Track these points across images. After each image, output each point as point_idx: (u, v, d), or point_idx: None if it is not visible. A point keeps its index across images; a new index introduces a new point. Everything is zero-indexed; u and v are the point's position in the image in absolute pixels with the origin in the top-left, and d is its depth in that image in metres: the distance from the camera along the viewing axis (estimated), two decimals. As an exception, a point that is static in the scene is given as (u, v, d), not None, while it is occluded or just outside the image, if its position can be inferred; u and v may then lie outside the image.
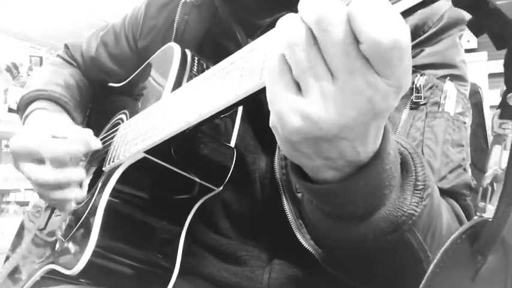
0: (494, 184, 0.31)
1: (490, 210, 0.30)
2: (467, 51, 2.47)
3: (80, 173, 0.67)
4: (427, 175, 0.42)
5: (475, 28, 0.27)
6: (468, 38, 2.54)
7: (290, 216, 0.60)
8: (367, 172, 0.37)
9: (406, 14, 0.30)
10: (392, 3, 0.30)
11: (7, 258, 0.84)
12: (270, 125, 0.37)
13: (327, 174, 0.38)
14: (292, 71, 0.33)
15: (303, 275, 0.64)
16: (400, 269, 0.48)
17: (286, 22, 0.33)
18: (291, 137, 0.34)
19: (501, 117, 0.27)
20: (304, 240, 0.59)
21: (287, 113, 0.33)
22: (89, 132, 0.71)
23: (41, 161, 0.66)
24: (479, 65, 2.47)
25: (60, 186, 0.66)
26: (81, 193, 0.67)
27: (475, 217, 0.32)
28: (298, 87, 0.33)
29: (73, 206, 0.68)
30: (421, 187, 0.41)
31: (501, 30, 0.24)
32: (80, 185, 0.68)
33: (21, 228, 0.89)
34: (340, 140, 0.33)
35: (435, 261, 0.32)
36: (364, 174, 0.37)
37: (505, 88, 0.26)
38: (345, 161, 0.36)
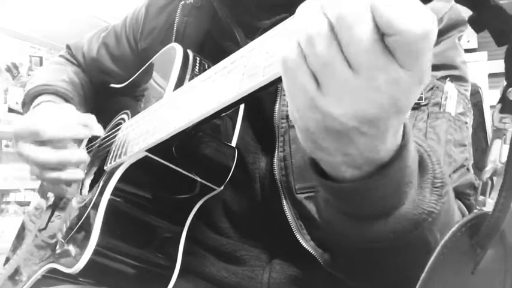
0: (494, 178, 0.31)
1: (489, 204, 0.30)
2: (467, 51, 2.48)
3: (80, 154, 0.67)
4: (444, 173, 0.42)
5: (476, 24, 0.27)
6: (468, 38, 2.55)
7: (290, 217, 0.60)
8: (388, 171, 0.37)
9: None
10: None
11: (7, 259, 0.84)
12: (290, 116, 0.36)
13: (346, 172, 0.37)
14: (310, 64, 0.31)
15: (303, 275, 0.64)
16: (412, 268, 0.48)
17: (307, 12, 0.31)
18: (312, 129, 0.34)
19: (501, 111, 0.27)
20: (304, 241, 0.59)
21: (306, 108, 0.33)
22: (92, 117, 0.71)
23: (41, 142, 0.67)
24: (479, 65, 2.48)
25: (59, 166, 0.67)
26: (80, 174, 0.68)
27: (475, 210, 0.32)
28: (316, 80, 0.32)
29: (69, 190, 0.68)
30: (439, 184, 0.41)
31: (502, 27, 0.24)
32: (79, 166, 0.68)
33: (22, 229, 0.89)
34: (360, 135, 0.33)
35: (435, 254, 0.32)
36: (386, 173, 0.37)
37: (505, 83, 0.26)
38: (365, 160, 0.36)
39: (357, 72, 0.30)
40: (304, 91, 0.32)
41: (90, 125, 0.69)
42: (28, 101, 0.85)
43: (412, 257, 0.45)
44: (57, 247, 0.68)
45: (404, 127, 0.37)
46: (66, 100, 0.84)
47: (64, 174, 0.67)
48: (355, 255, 0.51)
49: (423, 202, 0.40)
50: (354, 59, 0.29)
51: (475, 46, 2.56)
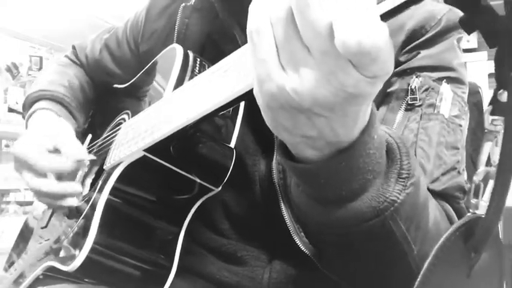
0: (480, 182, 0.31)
1: (482, 207, 0.30)
2: (467, 51, 2.47)
3: (74, 187, 0.69)
4: (411, 164, 0.42)
5: (467, 26, 0.27)
6: (468, 38, 2.54)
7: (288, 220, 0.60)
8: (348, 154, 0.37)
9: (390, 14, 0.30)
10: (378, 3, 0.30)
11: (12, 263, 0.84)
12: (254, 91, 0.37)
13: (307, 152, 0.38)
14: (276, 37, 0.32)
15: (303, 275, 0.64)
16: (386, 263, 0.48)
17: None
18: (269, 104, 0.35)
19: (492, 113, 0.27)
20: (302, 243, 0.59)
21: (264, 79, 0.34)
22: (82, 150, 0.74)
23: (37, 171, 0.70)
24: (479, 65, 2.47)
25: (55, 197, 0.69)
26: (76, 202, 0.70)
27: (468, 214, 0.32)
28: (278, 53, 0.33)
29: (67, 207, 0.70)
30: (405, 175, 0.41)
31: (493, 28, 0.24)
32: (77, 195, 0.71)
33: (26, 228, 0.89)
34: (315, 116, 0.34)
35: (429, 259, 0.32)
36: (346, 156, 0.37)
37: (495, 85, 0.26)
38: (325, 142, 0.37)
39: (312, 54, 0.30)
40: (266, 65, 0.33)
41: (80, 160, 0.72)
42: (27, 106, 0.86)
43: (381, 249, 0.46)
44: (56, 245, 0.68)
45: (371, 115, 0.38)
46: (64, 106, 0.85)
47: (61, 203, 0.70)
48: (327, 246, 0.52)
49: (387, 191, 0.41)
50: (307, 40, 0.30)
51: (475, 46, 2.55)
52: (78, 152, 0.71)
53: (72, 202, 0.69)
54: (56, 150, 0.72)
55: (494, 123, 0.27)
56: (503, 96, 0.26)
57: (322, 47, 0.29)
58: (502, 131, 0.26)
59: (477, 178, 0.30)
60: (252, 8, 0.34)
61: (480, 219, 0.31)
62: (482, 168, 0.29)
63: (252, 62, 0.35)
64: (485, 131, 0.28)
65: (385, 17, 0.28)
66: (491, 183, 0.29)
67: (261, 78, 0.34)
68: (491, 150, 0.28)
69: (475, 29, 0.27)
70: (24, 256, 0.81)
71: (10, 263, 0.84)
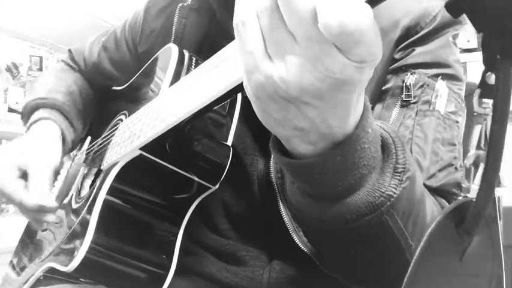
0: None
1: (473, 190, 0.31)
2: (467, 51, 2.47)
3: (50, 202, 0.69)
4: (407, 159, 0.42)
5: (452, 9, 0.27)
6: (468, 38, 2.54)
7: (287, 219, 0.59)
8: (343, 148, 0.37)
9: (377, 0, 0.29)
10: None
11: (23, 268, 0.83)
12: (243, 84, 0.37)
13: (301, 147, 0.38)
14: (262, 27, 0.33)
15: (302, 275, 0.64)
16: (385, 260, 0.48)
17: None
18: (258, 95, 0.35)
19: (481, 96, 0.28)
20: (301, 242, 0.59)
21: (252, 70, 0.34)
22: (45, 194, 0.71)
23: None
24: (479, 64, 2.46)
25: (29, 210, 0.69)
26: (54, 218, 0.70)
27: (459, 197, 0.32)
28: (265, 43, 0.33)
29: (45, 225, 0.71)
30: (400, 170, 0.41)
31: (479, 10, 0.25)
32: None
33: (30, 224, 0.89)
34: (305, 106, 0.34)
35: (422, 244, 0.32)
36: (340, 150, 0.37)
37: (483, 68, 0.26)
38: (318, 135, 0.36)
39: (297, 40, 0.30)
40: (252, 56, 0.33)
41: (42, 204, 0.69)
42: (26, 114, 0.86)
43: (378, 246, 0.46)
44: (55, 246, 0.68)
45: (364, 108, 0.38)
46: (63, 114, 0.85)
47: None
48: (324, 243, 0.52)
49: (382, 186, 0.40)
50: (292, 28, 0.30)
51: (475, 46, 2.55)
52: (40, 195, 0.69)
53: (49, 218, 0.69)
54: (26, 175, 0.72)
55: (483, 105, 0.27)
56: (491, 79, 0.26)
57: (307, 33, 0.29)
58: (491, 114, 0.26)
59: (468, 162, 0.31)
60: (237, 1, 0.34)
61: (471, 203, 0.31)
62: (472, 152, 0.29)
63: (239, 54, 0.35)
64: (474, 114, 0.28)
65: (372, 2, 0.28)
66: (482, 167, 0.29)
67: (249, 69, 0.34)
68: (481, 134, 0.28)
69: (462, 13, 0.27)
70: (37, 261, 0.81)
71: (21, 267, 0.84)
